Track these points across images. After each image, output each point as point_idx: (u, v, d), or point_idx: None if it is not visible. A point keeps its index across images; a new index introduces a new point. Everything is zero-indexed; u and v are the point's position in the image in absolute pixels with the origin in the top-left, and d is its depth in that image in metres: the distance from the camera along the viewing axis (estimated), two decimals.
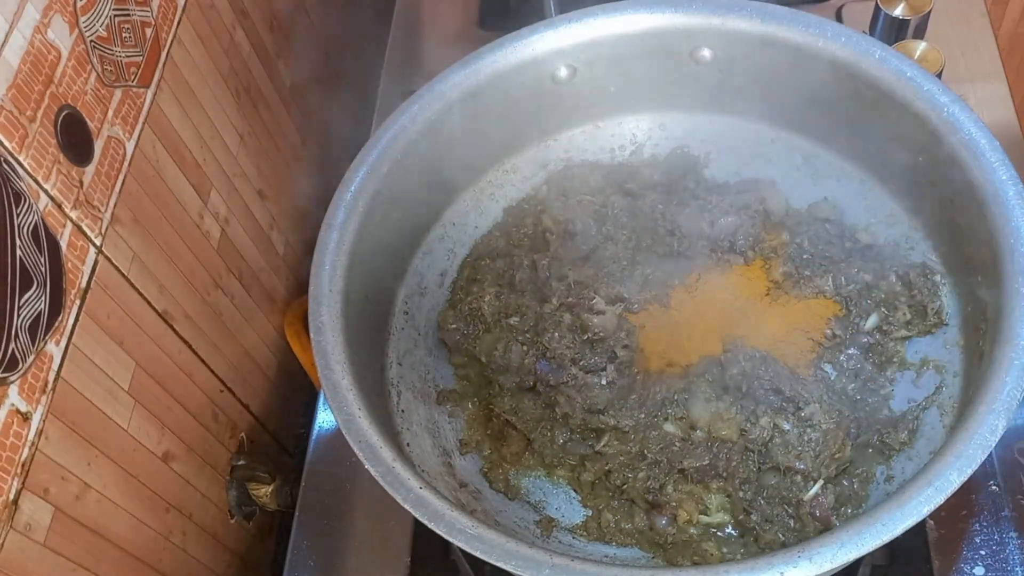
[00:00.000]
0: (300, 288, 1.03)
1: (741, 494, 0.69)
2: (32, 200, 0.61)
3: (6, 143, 0.59)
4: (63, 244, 0.64)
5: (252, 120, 0.94)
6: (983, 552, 0.72)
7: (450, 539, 0.58)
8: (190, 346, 0.81)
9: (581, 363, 0.73)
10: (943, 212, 0.72)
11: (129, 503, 0.72)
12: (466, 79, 0.78)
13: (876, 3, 0.96)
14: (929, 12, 0.95)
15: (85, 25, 0.68)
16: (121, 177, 0.71)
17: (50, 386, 0.62)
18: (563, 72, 0.81)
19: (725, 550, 0.69)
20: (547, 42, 0.79)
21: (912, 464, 0.68)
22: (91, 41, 0.68)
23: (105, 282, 0.69)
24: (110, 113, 0.70)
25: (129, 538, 0.72)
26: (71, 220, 0.65)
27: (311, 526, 0.82)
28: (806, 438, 0.71)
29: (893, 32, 0.96)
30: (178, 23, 0.80)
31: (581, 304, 0.74)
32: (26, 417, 0.60)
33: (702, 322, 0.78)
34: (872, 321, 0.75)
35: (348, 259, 0.71)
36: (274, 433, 0.98)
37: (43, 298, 0.62)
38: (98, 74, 0.69)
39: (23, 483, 0.60)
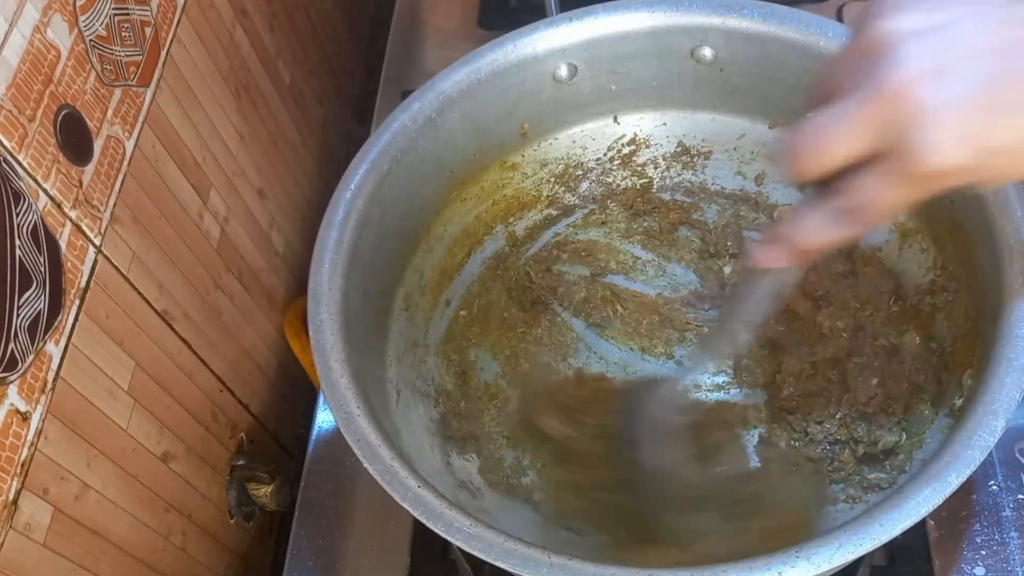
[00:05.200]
0: (300, 288, 1.03)
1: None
2: (31, 199, 0.61)
3: (5, 142, 0.59)
4: (62, 244, 0.64)
5: (252, 119, 0.94)
6: (983, 552, 0.72)
7: (448, 537, 0.57)
8: (189, 346, 0.81)
9: None
10: (943, 211, 0.72)
11: (128, 503, 0.72)
12: (467, 77, 0.78)
13: None
14: None
15: (84, 24, 0.68)
16: (120, 177, 0.71)
17: (49, 386, 0.62)
18: (564, 71, 0.80)
19: None
20: (548, 41, 0.79)
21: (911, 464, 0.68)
22: (91, 40, 0.68)
23: (104, 282, 0.69)
24: (109, 112, 0.70)
25: (128, 538, 0.72)
26: (70, 220, 0.65)
27: (311, 526, 0.82)
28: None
29: None
30: (178, 22, 0.80)
31: None
32: (25, 417, 0.60)
33: None
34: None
35: (348, 257, 0.71)
36: (274, 433, 0.98)
37: (42, 298, 0.62)
38: (97, 73, 0.69)
39: (23, 483, 0.60)
